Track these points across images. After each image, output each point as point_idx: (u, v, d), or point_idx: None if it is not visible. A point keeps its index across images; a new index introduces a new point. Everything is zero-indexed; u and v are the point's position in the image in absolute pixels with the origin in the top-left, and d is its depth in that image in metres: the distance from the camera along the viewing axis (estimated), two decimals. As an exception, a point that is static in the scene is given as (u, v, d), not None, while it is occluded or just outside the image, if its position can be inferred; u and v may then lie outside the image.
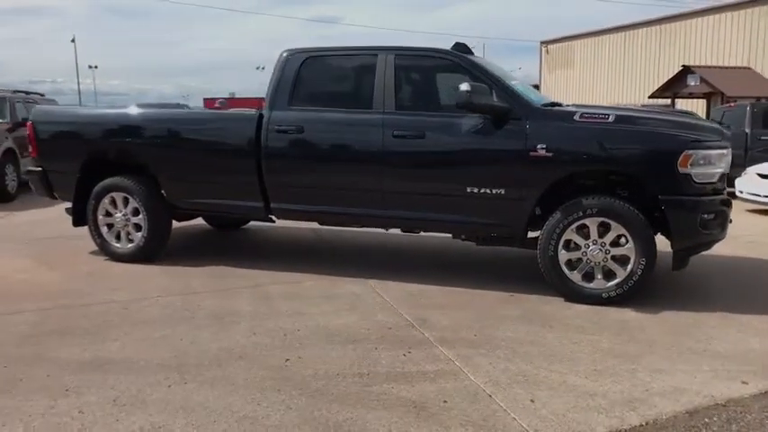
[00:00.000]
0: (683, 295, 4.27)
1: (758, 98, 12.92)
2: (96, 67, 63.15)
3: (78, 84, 54.43)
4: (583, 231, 4.07)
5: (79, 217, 5.41)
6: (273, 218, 5.03)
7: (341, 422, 2.54)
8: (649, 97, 17.12)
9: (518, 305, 4.11)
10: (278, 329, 3.65)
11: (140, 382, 2.94)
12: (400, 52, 4.53)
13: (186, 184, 5.04)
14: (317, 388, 2.86)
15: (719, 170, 3.95)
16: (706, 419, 2.58)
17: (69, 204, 5.60)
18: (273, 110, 4.70)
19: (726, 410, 2.65)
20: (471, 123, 4.19)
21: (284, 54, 4.79)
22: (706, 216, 3.89)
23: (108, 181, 5.20)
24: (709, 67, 16.05)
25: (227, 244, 6.26)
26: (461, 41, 4.66)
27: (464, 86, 3.94)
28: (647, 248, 3.90)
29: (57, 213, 8.00)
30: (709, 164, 3.88)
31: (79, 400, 2.76)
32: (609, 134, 3.97)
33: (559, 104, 4.61)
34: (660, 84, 17.05)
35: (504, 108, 4.10)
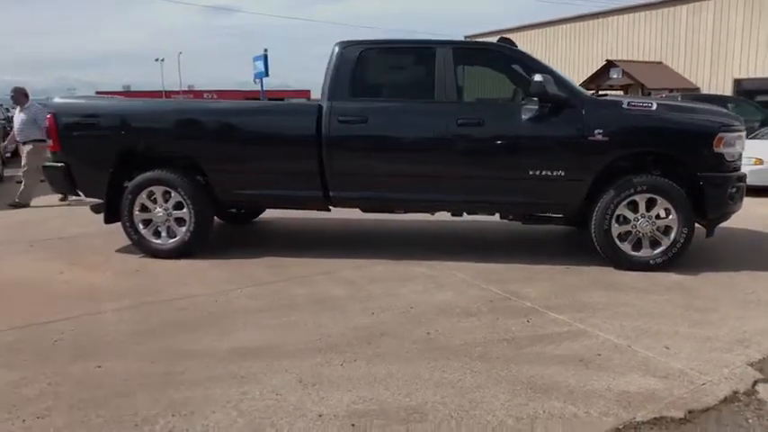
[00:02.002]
0: (705, 259, 4.92)
1: (671, 89, 14.53)
2: (-33, 56, 56.51)
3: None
4: (630, 206, 4.61)
5: (112, 213, 5.17)
6: (330, 207, 5.13)
7: (531, 378, 2.83)
8: (574, 89, 18.53)
9: (579, 275, 4.57)
10: (392, 308, 3.83)
11: (307, 364, 3.02)
12: (458, 46, 4.82)
13: (239, 176, 4.98)
14: (481, 354, 3.12)
15: (740, 150, 4.65)
16: (806, 349, 3.16)
17: (95, 201, 5.36)
18: (334, 101, 4.79)
19: (813, 342, 3.25)
20: (532, 111, 4.58)
21: (339, 47, 4.89)
22: (732, 190, 4.56)
23: (148, 174, 5.02)
24: (629, 61, 17.78)
25: (246, 237, 6.22)
26: (505, 36, 5.04)
27: (538, 77, 4.32)
28: (688, 220, 4.51)
29: (36, 214, 7.46)
30: (735, 145, 4.56)
31: (263, 384, 2.81)
32: (655, 120, 4.53)
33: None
34: (582, 77, 18.58)
35: (564, 97, 4.52)
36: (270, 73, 23.19)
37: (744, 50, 16.69)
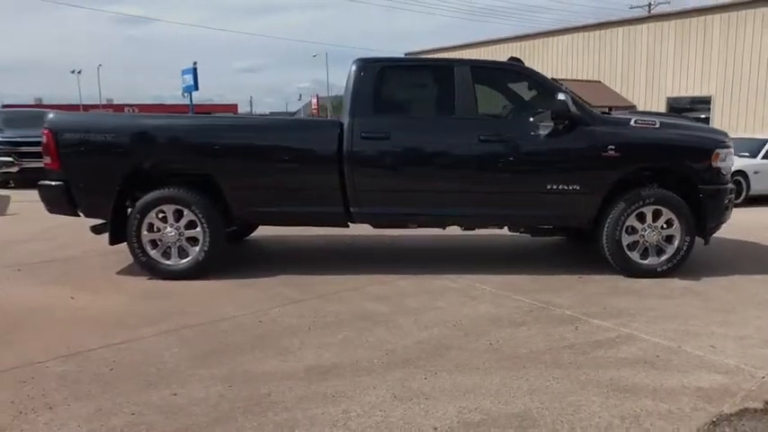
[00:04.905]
0: (700, 265, 5.31)
1: (610, 108, 15.53)
2: None
3: None
4: (638, 218, 4.92)
5: (117, 234, 4.92)
6: (349, 223, 5.13)
7: (610, 380, 2.98)
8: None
9: (596, 284, 4.82)
10: (440, 322, 3.89)
11: (390, 379, 3.03)
12: (476, 65, 5.00)
13: (258, 193, 4.90)
14: (552, 361, 3.25)
15: (731, 164, 5.11)
16: (828, 343, 3.52)
17: (96, 222, 5.08)
18: (356, 117, 4.83)
19: (830, 336, 3.63)
20: (549, 128, 4.81)
21: (358, 65, 4.94)
22: (726, 201, 5.00)
23: (159, 193, 4.82)
24: (571, 80, 18.85)
25: (247, 256, 6.08)
26: (515, 56, 5.27)
27: (561, 96, 4.56)
28: (690, 229, 4.89)
29: (3, 237, 6.88)
30: (727, 159, 5.00)
31: (359, 402, 2.78)
32: (661, 137, 4.90)
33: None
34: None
35: (580, 115, 4.80)
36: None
37: (676, 71, 18.25)
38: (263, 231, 6.63)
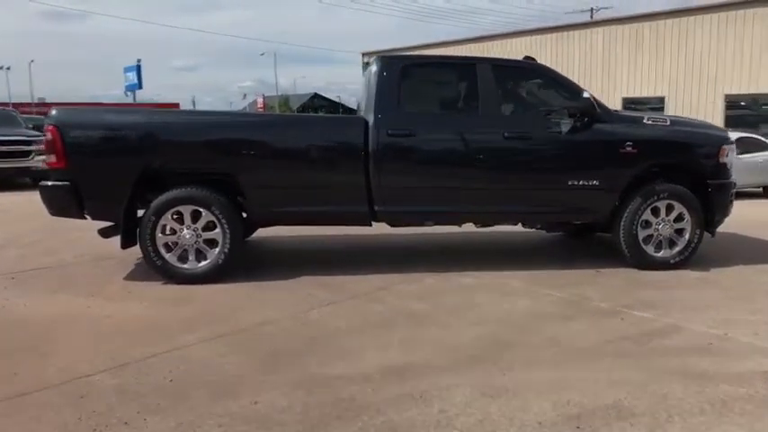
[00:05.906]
0: (700, 257, 5.55)
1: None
2: None
3: None
4: (652, 212, 5.10)
5: (129, 237, 4.65)
6: (373, 223, 5.04)
7: (680, 368, 3.06)
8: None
9: (615, 277, 4.95)
10: (488, 319, 3.89)
11: (469, 376, 2.99)
12: (497, 63, 5.04)
13: (280, 192, 4.73)
14: (617, 352, 3.30)
15: (734, 160, 5.37)
16: None
17: (103, 224, 4.78)
18: (380, 114, 4.76)
19: None
20: (569, 125, 4.91)
21: (380, 63, 4.88)
22: (730, 195, 5.26)
23: (177, 193, 4.58)
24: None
25: (252, 258, 5.88)
26: (529, 56, 5.35)
27: (586, 94, 4.66)
28: (700, 222, 5.11)
29: None
30: (731, 155, 5.26)
31: (450, 401, 2.73)
32: (674, 134, 5.10)
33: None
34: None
35: (600, 112, 4.92)
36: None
37: (630, 73, 19.17)
38: (257, 232, 6.42)
